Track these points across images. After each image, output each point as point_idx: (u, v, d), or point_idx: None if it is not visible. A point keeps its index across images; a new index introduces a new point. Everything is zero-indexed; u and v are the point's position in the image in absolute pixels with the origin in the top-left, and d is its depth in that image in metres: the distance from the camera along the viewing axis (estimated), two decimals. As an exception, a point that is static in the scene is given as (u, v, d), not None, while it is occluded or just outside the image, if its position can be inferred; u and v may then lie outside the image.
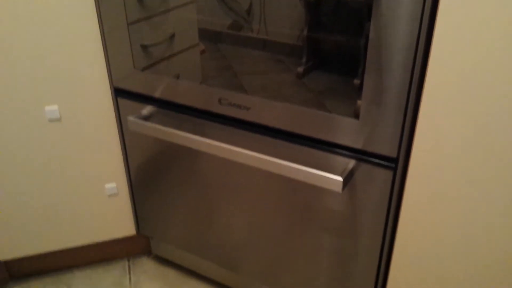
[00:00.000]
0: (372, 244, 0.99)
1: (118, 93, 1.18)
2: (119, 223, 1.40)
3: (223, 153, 1.01)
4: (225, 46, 0.97)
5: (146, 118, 1.15)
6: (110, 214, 1.37)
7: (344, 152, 0.92)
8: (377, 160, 0.90)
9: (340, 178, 0.89)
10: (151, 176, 1.28)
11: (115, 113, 1.22)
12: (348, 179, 0.92)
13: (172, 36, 1.03)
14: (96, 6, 1.07)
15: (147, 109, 1.15)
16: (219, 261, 1.29)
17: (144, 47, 1.07)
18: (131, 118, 1.12)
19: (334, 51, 0.86)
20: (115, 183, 1.32)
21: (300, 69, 0.90)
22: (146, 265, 1.51)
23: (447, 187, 0.85)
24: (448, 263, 0.92)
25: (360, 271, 1.05)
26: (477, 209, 0.83)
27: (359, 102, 0.85)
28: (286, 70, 0.92)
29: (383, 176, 0.90)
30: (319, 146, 0.95)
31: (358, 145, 0.89)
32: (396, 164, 0.88)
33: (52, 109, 1.15)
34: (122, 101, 1.18)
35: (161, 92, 1.10)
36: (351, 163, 0.92)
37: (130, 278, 1.46)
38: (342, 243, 1.04)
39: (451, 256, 0.91)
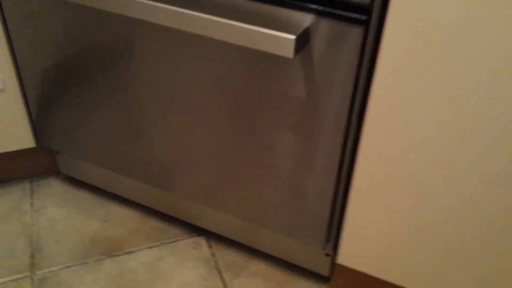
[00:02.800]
0: (333, 143, 0.76)
1: None
2: (10, 131, 1.09)
3: (146, 14, 0.72)
4: None
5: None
6: (-3, 119, 1.07)
7: (301, 4, 0.66)
8: (343, 13, 0.64)
9: (291, 37, 0.63)
10: (50, 64, 0.97)
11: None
12: (304, 40, 0.67)
13: None
14: None
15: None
16: (146, 178, 1.03)
17: None
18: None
19: None
20: (-1, 77, 1.01)
21: None
22: (53, 187, 1.23)
23: (436, 44, 0.61)
24: (419, 161, 0.71)
25: (315, 186, 0.82)
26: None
27: None
28: None
29: (351, 35, 0.65)
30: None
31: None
32: (370, 16, 0.63)
33: None
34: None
35: None
36: (309, 19, 0.66)
37: (32, 203, 1.17)
38: (294, 146, 0.80)
39: (424, 153, 0.69)
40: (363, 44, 0.66)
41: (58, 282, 0.98)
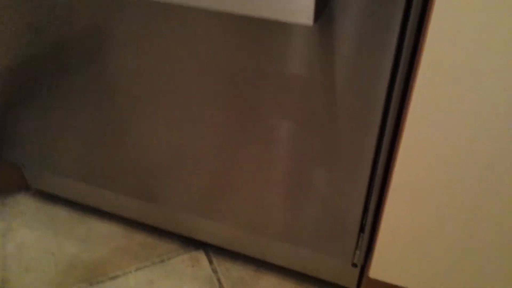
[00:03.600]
0: (365, 136, 0.59)
1: None
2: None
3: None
4: None
5: None
6: None
7: None
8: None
9: (306, -9, 0.46)
10: (8, 64, 0.79)
11: None
12: (324, 3, 0.50)
13: None
14: None
15: None
16: (129, 191, 0.85)
17: None
18: None
19: None
20: None
21: None
22: (23, 204, 1.05)
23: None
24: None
25: (342, 187, 0.66)
26: None
27: None
28: None
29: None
30: None
31: None
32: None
33: None
34: None
35: None
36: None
37: (-2, 225, 0.99)
38: (313, 141, 0.63)
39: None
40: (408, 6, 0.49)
41: (30, 322, 0.81)
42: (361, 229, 0.72)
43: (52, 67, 0.76)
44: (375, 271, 0.74)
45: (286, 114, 0.63)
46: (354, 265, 0.77)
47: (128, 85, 0.72)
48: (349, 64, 0.55)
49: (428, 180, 0.61)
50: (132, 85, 0.71)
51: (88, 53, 0.71)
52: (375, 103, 0.57)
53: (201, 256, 0.93)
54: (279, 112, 0.63)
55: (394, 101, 0.57)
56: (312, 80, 0.58)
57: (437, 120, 0.55)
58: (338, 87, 0.58)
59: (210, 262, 0.91)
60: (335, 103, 0.59)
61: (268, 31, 0.57)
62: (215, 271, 0.89)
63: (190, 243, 0.95)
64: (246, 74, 0.62)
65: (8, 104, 0.85)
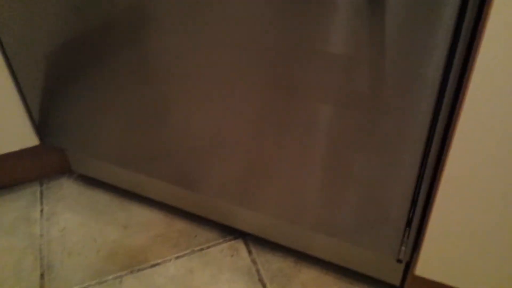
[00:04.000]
0: (415, 124, 0.56)
1: None
2: (8, 129, 0.93)
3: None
4: None
5: None
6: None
7: None
8: None
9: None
10: (46, 49, 0.79)
11: None
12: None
13: None
14: None
15: None
16: (169, 177, 0.85)
17: None
18: None
19: None
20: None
21: None
22: (66, 188, 1.07)
23: None
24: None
25: (390, 180, 0.62)
26: None
27: None
28: None
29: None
30: None
31: None
32: None
33: None
34: None
35: None
36: None
37: (42, 209, 1.01)
38: (358, 127, 0.60)
39: None
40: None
41: (73, 307, 0.82)
42: (408, 223, 0.69)
43: (93, 50, 0.75)
44: (422, 268, 0.70)
45: (330, 96, 0.60)
46: (399, 261, 0.74)
47: (167, 67, 0.70)
48: (401, 43, 0.52)
49: (483, 174, 0.57)
50: (172, 67, 0.70)
51: (129, 35, 0.70)
52: (429, 88, 0.53)
53: (240, 246, 0.91)
54: (323, 94, 0.61)
55: (450, 87, 0.53)
56: (359, 59, 0.55)
57: (495, 111, 0.51)
58: (388, 67, 0.54)
59: (249, 252, 0.90)
60: (385, 85, 0.56)
61: (312, 5, 0.54)
62: (254, 262, 0.88)
63: (229, 232, 0.94)
64: (288, 53, 0.59)
65: (51, 88, 0.86)
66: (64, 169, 1.11)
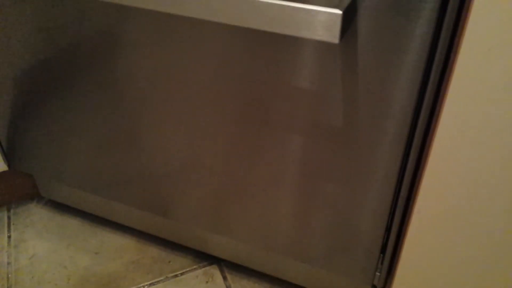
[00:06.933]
0: (390, 153, 0.58)
1: None
2: (-25, 154, 0.90)
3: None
4: None
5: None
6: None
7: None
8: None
9: (337, 12, 0.45)
10: (15, 69, 0.78)
11: None
12: (350, 16, 0.48)
13: None
14: None
15: None
16: (141, 204, 0.84)
17: None
18: None
19: None
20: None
21: None
22: (35, 214, 1.04)
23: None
24: None
25: (364, 205, 0.64)
26: None
27: None
28: None
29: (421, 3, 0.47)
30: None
31: None
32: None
33: None
34: None
35: None
36: (355, -14, 0.48)
37: (9, 236, 0.98)
38: (332, 154, 0.62)
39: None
40: (440, 19, 0.47)
41: (42, 338, 0.80)
42: (382, 249, 0.70)
43: (62, 73, 0.75)
44: (396, 293, 0.72)
45: (303, 128, 0.62)
46: (374, 287, 0.76)
47: (138, 93, 0.70)
48: (372, 79, 0.54)
49: (455, 202, 0.59)
50: (142, 93, 0.70)
51: (98, 59, 0.70)
52: (402, 121, 0.55)
53: (215, 271, 0.91)
54: (295, 125, 0.62)
55: (422, 120, 0.56)
56: (329, 93, 0.57)
57: (467, 141, 0.54)
58: (359, 102, 0.56)
59: (224, 278, 0.90)
60: (358, 119, 0.58)
61: (283, 43, 0.56)
62: (229, 288, 0.88)
63: (204, 257, 0.94)
64: (261, 84, 0.61)
65: (18, 112, 0.84)
66: (32, 195, 1.08)
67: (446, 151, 0.55)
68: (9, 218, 1.03)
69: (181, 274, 0.91)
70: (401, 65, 0.51)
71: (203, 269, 0.92)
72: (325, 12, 0.44)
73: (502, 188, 0.55)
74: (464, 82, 0.49)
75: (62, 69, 0.74)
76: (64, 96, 0.77)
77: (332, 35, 0.46)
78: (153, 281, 0.89)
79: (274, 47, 0.56)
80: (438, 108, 0.54)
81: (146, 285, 0.88)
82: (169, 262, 0.93)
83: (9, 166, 0.95)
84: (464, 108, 0.51)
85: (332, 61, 0.54)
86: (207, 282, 0.89)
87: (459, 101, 0.51)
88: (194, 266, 0.92)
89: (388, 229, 0.68)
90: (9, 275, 0.90)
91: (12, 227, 1.01)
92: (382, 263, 0.72)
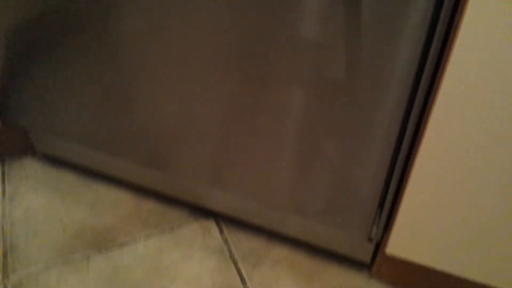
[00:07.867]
0: (391, 109, 0.56)
1: None
2: (-34, 104, 0.88)
3: None
4: None
5: None
6: None
7: None
8: None
9: None
10: (10, 22, 0.75)
11: None
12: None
13: None
14: None
15: None
16: (137, 157, 0.83)
17: None
18: None
19: None
20: None
21: None
22: (29, 168, 1.03)
23: None
24: None
25: (363, 160, 0.63)
26: None
27: None
28: None
29: None
30: None
31: None
32: None
33: None
34: None
35: None
36: None
37: (3, 190, 0.97)
38: (331, 107, 0.60)
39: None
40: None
41: (37, 287, 0.80)
42: (381, 204, 0.69)
43: (57, 29, 0.72)
44: (392, 247, 0.72)
45: (303, 83, 0.60)
46: (370, 239, 0.75)
47: (135, 48, 0.68)
48: (377, 34, 0.51)
49: (456, 158, 0.58)
50: (140, 48, 0.68)
51: (94, 14, 0.67)
52: (406, 76, 0.53)
53: (211, 225, 0.91)
54: (296, 80, 0.60)
55: (426, 73, 0.54)
56: (332, 46, 0.55)
57: (470, 98, 0.52)
58: (361, 56, 0.54)
59: (221, 231, 0.90)
60: (361, 74, 0.56)
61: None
62: (226, 241, 0.88)
63: (201, 212, 0.93)
64: (261, 38, 0.58)
65: (12, 66, 0.82)
66: (26, 149, 1.06)
67: (449, 108, 0.54)
68: (3, 173, 1.02)
69: (178, 227, 0.90)
70: (407, 19, 0.49)
71: (199, 223, 0.91)
72: None
73: (505, 145, 0.54)
74: (469, 43, 0.47)
75: (58, 23, 0.71)
76: (59, 49, 0.75)
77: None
78: (149, 232, 0.89)
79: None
80: (442, 66, 0.52)
81: (142, 236, 0.88)
82: (165, 215, 0.92)
83: (2, 120, 0.93)
84: (468, 67, 0.49)
85: (336, 14, 0.52)
86: (203, 235, 0.89)
87: (463, 59, 0.49)
88: (190, 220, 0.92)
89: (387, 184, 0.67)
90: (4, 227, 0.89)
91: (6, 181, 1.00)
92: (379, 217, 0.71)
